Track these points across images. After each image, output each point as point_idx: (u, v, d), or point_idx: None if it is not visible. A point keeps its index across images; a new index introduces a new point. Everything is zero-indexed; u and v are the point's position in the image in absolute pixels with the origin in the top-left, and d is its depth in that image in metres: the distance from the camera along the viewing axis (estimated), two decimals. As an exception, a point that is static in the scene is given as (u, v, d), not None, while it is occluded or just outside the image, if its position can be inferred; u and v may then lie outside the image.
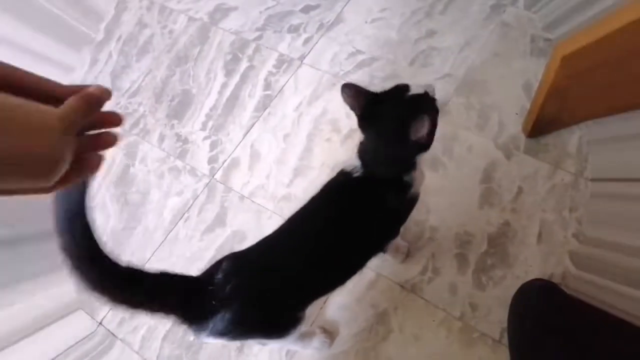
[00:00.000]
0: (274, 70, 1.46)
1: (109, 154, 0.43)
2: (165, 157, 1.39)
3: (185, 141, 1.41)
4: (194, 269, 0.77)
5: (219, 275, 0.73)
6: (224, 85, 1.47)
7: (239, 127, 1.39)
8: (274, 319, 0.79)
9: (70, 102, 0.38)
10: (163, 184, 1.35)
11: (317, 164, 1.28)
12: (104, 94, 0.40)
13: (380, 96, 0.80)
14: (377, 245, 0.90)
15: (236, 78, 1.47)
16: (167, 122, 1.45)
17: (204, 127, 1.41)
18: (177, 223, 1.29)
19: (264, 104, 1.40)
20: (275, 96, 1.41)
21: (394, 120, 0.78)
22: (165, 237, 1.28)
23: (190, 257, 1.24)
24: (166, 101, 1.49)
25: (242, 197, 1.28)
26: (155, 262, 1.26)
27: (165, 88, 1.51)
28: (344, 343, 1.06)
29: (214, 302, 0.70)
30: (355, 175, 0.80)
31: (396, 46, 1.40)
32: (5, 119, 0.32)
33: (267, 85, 1.44)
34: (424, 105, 0.79)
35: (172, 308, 0.69)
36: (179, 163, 1.37)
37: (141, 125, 1.46)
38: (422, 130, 0.74)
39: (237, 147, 1.35)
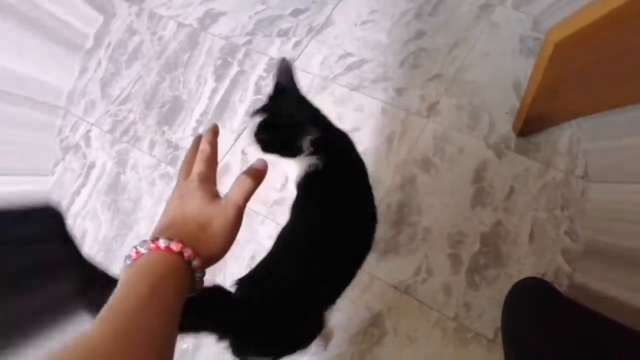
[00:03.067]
0: (265, 75, 1.45)
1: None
2: (157, 164, 1.38)
3: (176, 147, 1.40)
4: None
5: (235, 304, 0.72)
6: (214, 91, 1.46)
7: (230, 132, 1.38)
8: (298, 337, 0.81)
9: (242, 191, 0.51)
10: (154, 191, 1.34)
11: (309, 168, 1.27)
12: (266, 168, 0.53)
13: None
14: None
15: (226, 83, 1.47)
16: (157, 129, 1.44)
17: (194, 133, 1.41)
18: (169, 230, 1.27)
19: (255, 109, 1.40)
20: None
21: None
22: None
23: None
24: (156, 107, 1.48)
25: (234, 202, 1.27)
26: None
27: (156, 94, 1.51)
28: (338, 347, 1.05)
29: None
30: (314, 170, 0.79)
31: (386, 48, 1.40)
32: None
33: (258, 90, 1.43)
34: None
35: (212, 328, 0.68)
36: (170, 169, 1.37)
37: (131, 133, 1.46)
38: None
39: (227, 152, 1.35)
